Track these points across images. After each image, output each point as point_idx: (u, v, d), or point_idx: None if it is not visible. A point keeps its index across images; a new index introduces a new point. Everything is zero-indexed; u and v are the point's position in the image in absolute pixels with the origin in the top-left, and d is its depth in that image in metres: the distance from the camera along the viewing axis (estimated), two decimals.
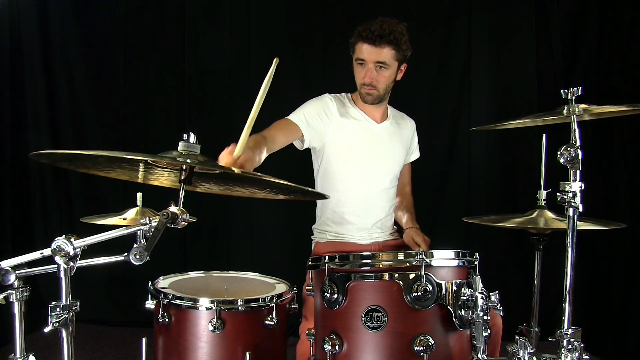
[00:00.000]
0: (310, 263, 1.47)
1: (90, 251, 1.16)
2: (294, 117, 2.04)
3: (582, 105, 1.50)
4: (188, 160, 1.19)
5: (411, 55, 2.10)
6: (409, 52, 2.05)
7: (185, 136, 1.25)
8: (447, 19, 3.36)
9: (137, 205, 2.01)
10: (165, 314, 1.56)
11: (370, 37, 1.96)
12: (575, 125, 1.44)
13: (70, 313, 1.14)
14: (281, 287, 1.73)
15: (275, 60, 1.41)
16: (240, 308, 1.53)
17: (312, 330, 1.46)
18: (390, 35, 1.95)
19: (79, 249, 1.12)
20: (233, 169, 1.25)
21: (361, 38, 1.99)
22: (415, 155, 2.34)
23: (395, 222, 2.26)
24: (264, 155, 1.73)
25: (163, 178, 1.47)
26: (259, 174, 1.27)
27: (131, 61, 3.51)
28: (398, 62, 2.04)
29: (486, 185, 3.36)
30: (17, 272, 1.14)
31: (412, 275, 1.29)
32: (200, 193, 1.53)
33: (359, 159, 2.10)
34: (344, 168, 2.10)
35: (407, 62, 2.09)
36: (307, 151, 2.15)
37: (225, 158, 1.47)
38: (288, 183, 1.28)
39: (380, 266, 1.35)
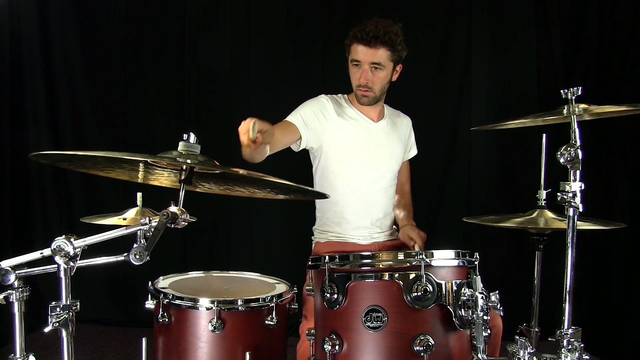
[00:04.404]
0: (310, 263, 1.47)
1: (90, 251, 1.16)
2: (291, 118, 2.04)
3: (582, 105, 1.50)
4: (188, 161, 1.19)
5: (411, 55, 2.10)
6: (404, 52, 2.05)
7: (185, 136, 1.26)
8: (447, 19, 3.36)
9: (137, 205, 2.01)
10: (165, 314, 1.56)
11: (365, 38, 1.96)
12: (575, 125, 1.44)
13: (70, 313, 1.15)
14: (281, 287, 1.73)
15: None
16: (240, 308, 1.54)
17: (312, 330, 1.46)
18: (385, 36, 1.95)
19: (79, 249, 1.12)
20: (237, 170, 1.24)
21: (356, 39, 1.99)
22: (413, 152, 2.33)
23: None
24: (267, 151, 1.74)
25: (163, 178, 1.47)
26: (260, 174, 1.27)
27: (131, 61, 3.51)
28: (393, 63, 2.04)
29: (486, 185, 3.36)
30: (17, 272, 1.14)
31: (412, 275, 1.29)
32: (200, 193, 1.53)
33: (357, 158, 2.10)
34: (343, 168, 2.10)
35: (403, 63, 2.09)
36: (306, 151, 2.15)
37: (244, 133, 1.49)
38: (288, 182, 1.28)
39: (380, 266, 1.35)
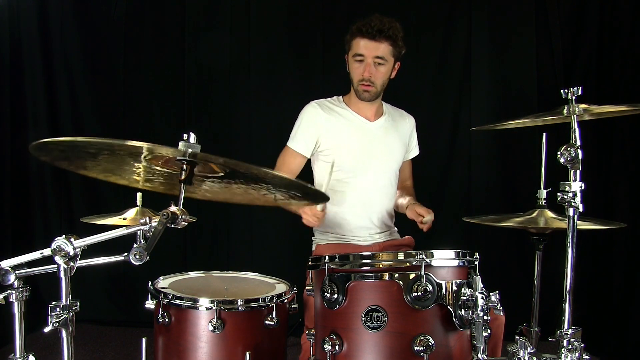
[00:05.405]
0: (310, 263, 1.47)
1: (90, 251, 1.16)
2: (292, 144, 2.11)
3: (582, 105, 1.50)
4: (190, 150, 1.18)
5: (411, 55, 2.11)
6: (404, 50, 2.07)
7: (185, 136, 1.25)
8: (447, 19, 3.36)
9: (137, 205, 2.01)
10: (165, 314, 1.56)
11: (370, 32, 1.97)
12: (575, 125, 1.44)
13: (70, 313, 1.14)
14: (281, 287, 1.73)
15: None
16: (240, 308, 1.54)
17: (312, 331, 1.46)
18: (389, 30, 1.98)
19: (79, 249, 1.12)
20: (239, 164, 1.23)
21: (360, 33, 2.00)
22: (415, 152, 2.33)
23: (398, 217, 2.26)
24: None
25: (159, 183, 1.45)
26: (259, 167, 1.25)
27: (131, 61, 3.51)
28: (394, 59, 2.05)
29: (486, 185, 3.35)
30: (17, 272, 1.14)
31: (412, 275, 1.29)
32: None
33: (354, 159, 2.10)
34: (340, 169, 2.10)
35: (402, 62, 2.10)
36: None
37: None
38: (288, 177, 1.27)
39: (380, 266, 1.35)
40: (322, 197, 1.62)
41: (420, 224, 2.03)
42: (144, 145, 1.13)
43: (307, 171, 2.21)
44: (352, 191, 2.10)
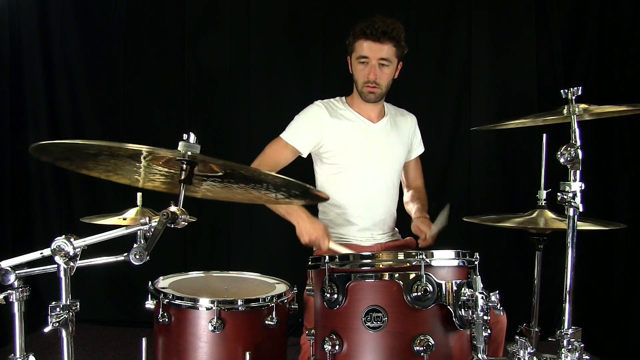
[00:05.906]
0: (310, 263, 1.47)
1: (90, 251, 1.16)
2: (287, 137, 2.08)
3: (582, 105, 1.50)
4: (189, 152, 1.18)
5: (411, 55, 2.11)
6: (406, 50, 2.08)
7: (185, 136, 1.25)
8: (447, 19, 3.36)
9: (137, 205, 2.01)
10: (165, 314, 1.56)
11: (374, 34, 1.97)
12: (575, 125, 1.44)
13: (70, 313, 1.14)
14: (281, 287, 1.73)
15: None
16: (240, 308, 1.54)
17: (312, 331, 1.46)
18: (392, 31, 1.98)
19: (79, 249, 1.12)
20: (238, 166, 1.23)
21: (364, 35, 1.99)
22: (420, 150, 2.34)
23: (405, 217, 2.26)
24: None
25: (160, 182, 1.46)
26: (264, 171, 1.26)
27: (131, 61, 3.51)
28: (397, 59, 2.06)
29: (486, 185, 3.36)
30: (17, 272, 1.14)
31: (412, 275, 1.29)
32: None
33: (357, 160, 2.10)
34: (343, 170, 2.10)
35: (403, 61, 2.11)
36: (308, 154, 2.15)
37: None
38: (288, 179, 1.27)
39: (380, 266, 1.35)
40: (320, 199, 1.62)
41: (422, 240, 2.03)
42: (143, 148, 1.13)
43: (307, 171, 2.21)
44: (354, 192, 2.10)
